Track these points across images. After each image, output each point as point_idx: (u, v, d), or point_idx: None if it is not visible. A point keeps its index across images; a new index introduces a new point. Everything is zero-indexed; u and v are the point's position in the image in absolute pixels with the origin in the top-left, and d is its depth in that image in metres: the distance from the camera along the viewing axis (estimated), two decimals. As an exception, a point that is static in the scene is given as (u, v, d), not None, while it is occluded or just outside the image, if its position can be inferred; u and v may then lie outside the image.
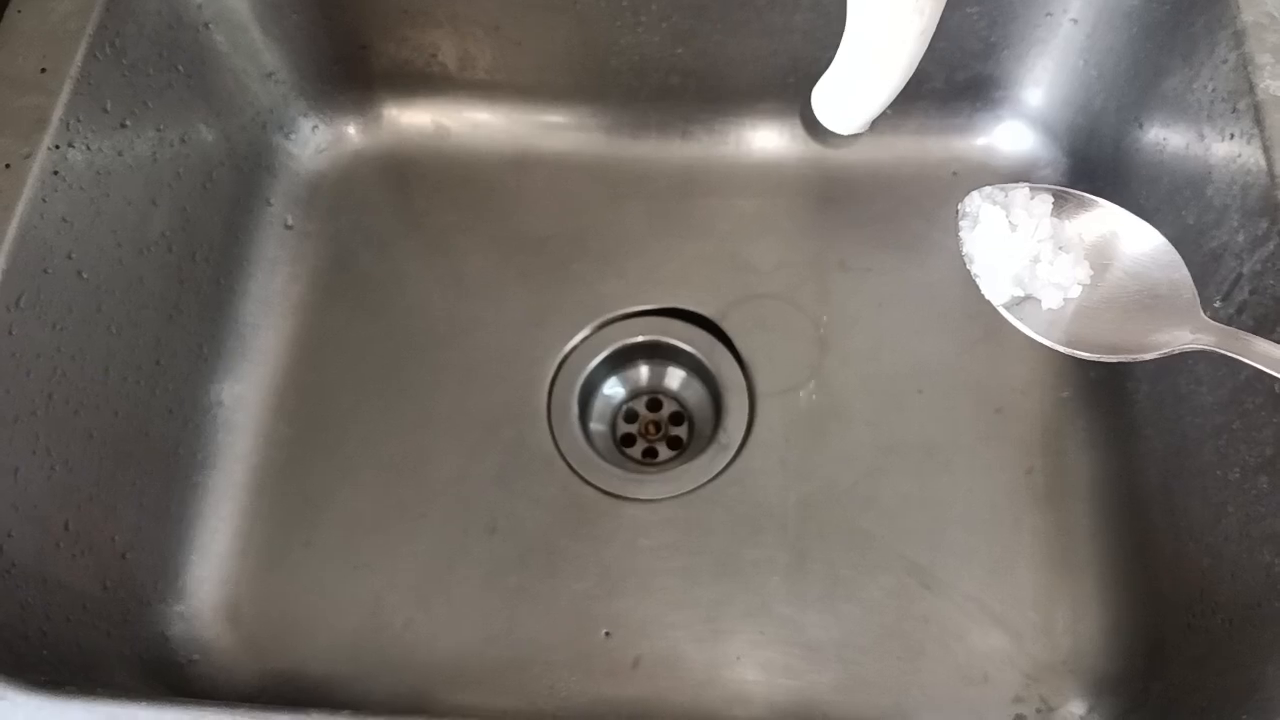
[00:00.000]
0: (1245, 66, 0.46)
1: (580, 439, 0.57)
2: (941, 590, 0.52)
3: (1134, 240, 0.42)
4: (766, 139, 0.64)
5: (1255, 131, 0.44)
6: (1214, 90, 0.48)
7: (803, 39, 0.59)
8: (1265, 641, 0.41)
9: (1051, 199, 0.43)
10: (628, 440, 0.60)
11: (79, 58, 0.48)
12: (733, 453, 0.56)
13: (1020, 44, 0.59)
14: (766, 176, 0.64)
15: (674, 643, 0.52)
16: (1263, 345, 0.36)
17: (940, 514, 0.54)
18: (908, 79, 0.39)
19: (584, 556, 0.54)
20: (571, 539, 0.55)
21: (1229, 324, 0.45)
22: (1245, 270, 0.45)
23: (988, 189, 0.43)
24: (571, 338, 0.60)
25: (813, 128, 0.44)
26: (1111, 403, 0.55)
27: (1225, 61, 0.47)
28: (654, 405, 0.61)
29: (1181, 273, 0.40)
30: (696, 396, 0.60)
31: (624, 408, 0.61)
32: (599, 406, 0.60)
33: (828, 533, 0.54)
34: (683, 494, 0.56)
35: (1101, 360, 0.40)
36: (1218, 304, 0.46)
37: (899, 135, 0.62)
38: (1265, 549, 0.42)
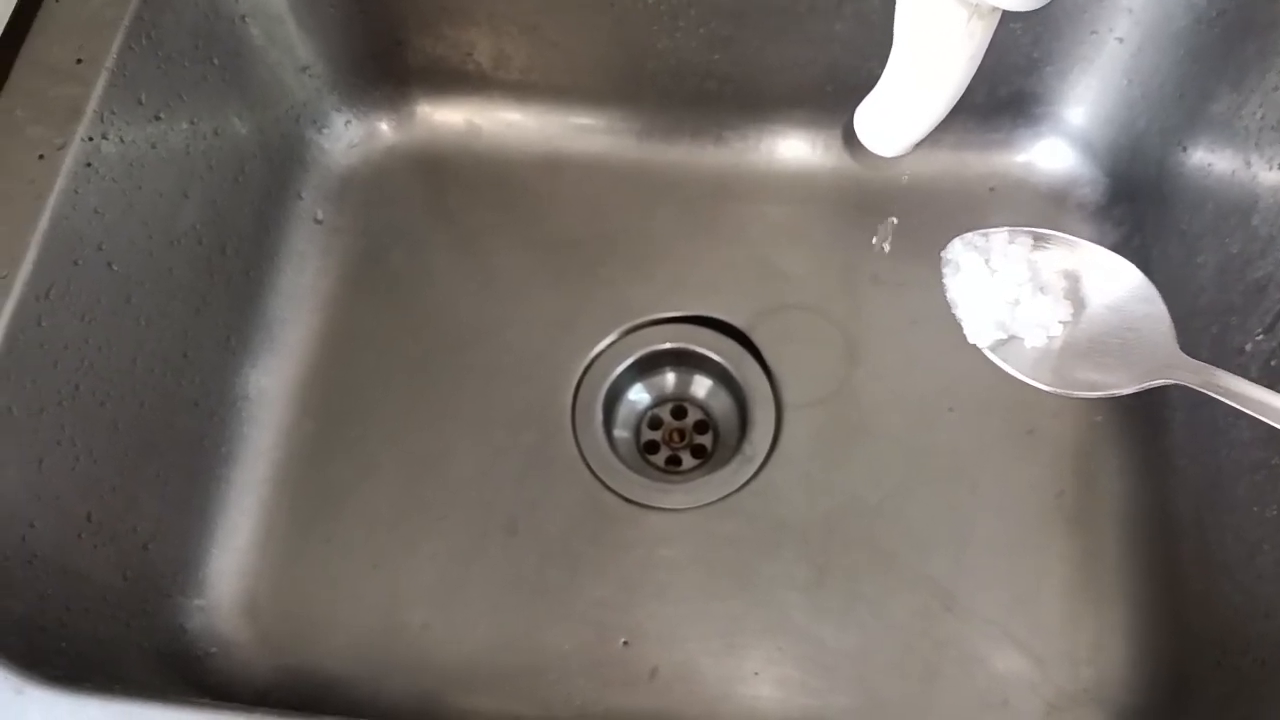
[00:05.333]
0: (1298, 96, 0.45)
1: (604, 444, 0.57)
2: (964, 613, 0.52)
3: (1112, 277, 0.43)
4: (801, 147, 0.63)
5: (1305, 162, 0.44)
6: (1263, 118, 0.47)
7: (842, 48, 0.59)
8: (1298, 686, 0.41)
9: (1031, 241, 0.44)
10: (651, 447, 0.59)
11: (115, 48, 0.48)
12: (757, 465, 0.56)
13: (1064, 61, 0.58)
14: (800, 185, 0.63)
15: (692, 655, 0.52)
16: (1236, 382, 0.37)
17: (966, 535, 0.54)
18: (954, 103, 0.38)
19: (604, 563, 0.54)
20: (591, 545, 0.54)
21: (1270, 360, 0.44)
22: (1290, 304, 0.44)
23: (969, 235, 0.44)
24: (598, 342, 0.59)
25: (854, 148, 0.44)
26: (1146, 430, 0.54)
27: (1276, 89, 0.46)
28: (679, 413, 0.60)
29: (1159, 307, 0.41)
30: (722, 406, 0.60)
31: (649, 414, 0.60)
32: (624, 412, 0.60)
33: (850, 550, 0.54)
34: (705, 505, 0.55)
35: (1084, 397, 0.41)
36: (1260, 336, 0.45)
37: (937, 149, 0.61)
38: (1301, 591, 0.42)
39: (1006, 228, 0.44)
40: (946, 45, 0.36)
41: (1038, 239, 0.44)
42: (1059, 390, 0.41)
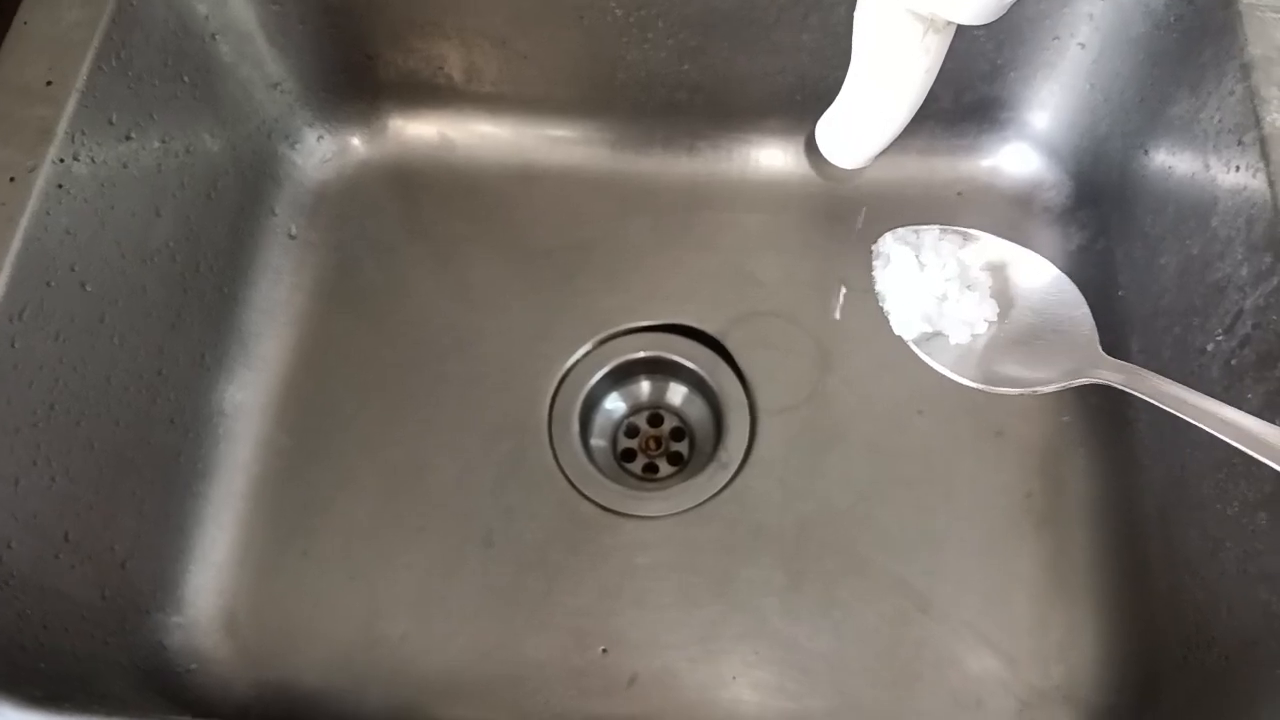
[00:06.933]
0: (1252, 99, 0.45)
1: (580, 453, 0.57)
2: (937, 614, 0.52)
3: (1037, 279, 0.44)
4: (772, 156, 0.64)
5: (1261, 165, 0.44)
6: (1220, 121, 0.48)
7: (810, 57, 0.59)
8: (1262, 681, 0.41)
9: (961, 239, 0.45)
10: (628, 455, 0.60)
11: (85, 69, 0.48)
12: (733, 471, 0.56)
13: (1027, 67, 0.59)
14: (772, 193, 0.64)
15: (670, 661, 0.52)
16: (1158, 381, 0.38)
17: (938, 537, 0.54)
18: (912, 116, 0.39)
19: (581, 572, 0.54)
20: (569, 554, 0.55)
21: (1230, 359, 0.45)
22: (1248, 305, 0.44)
23: (901, 230, 0.46)
24: (574, 351, 0.60)
25: (816, 160, 0.44)
26: (1112, 429, 0.55)
27: (1232, 93, 0.47)
28: (655, 420, 0.61)
29: (1082, 309, 0.42)
30: (698, 413, 0.60)
31: (625, 422, 0.61)
32: (600, 421, 0.60)
33: (825, 554, 0.54)
34: (682, 511, 0.56)
35: (1004, 394, 0.42)
36: (1220, 336, 0.46)
37: (905, 155, 0.62)
38: (1262, 587, 0.42)
39: (938, 225, 0.45)
40: (903, 59, 0.37)
41: (967, 238, 0.45)
42: (981, 386, 0.42)
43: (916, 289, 0.44)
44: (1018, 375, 0.42)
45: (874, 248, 0.46)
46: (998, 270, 0.45)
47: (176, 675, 0.51)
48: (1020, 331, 0.43)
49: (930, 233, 0.45)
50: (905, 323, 0.45)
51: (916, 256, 0.44)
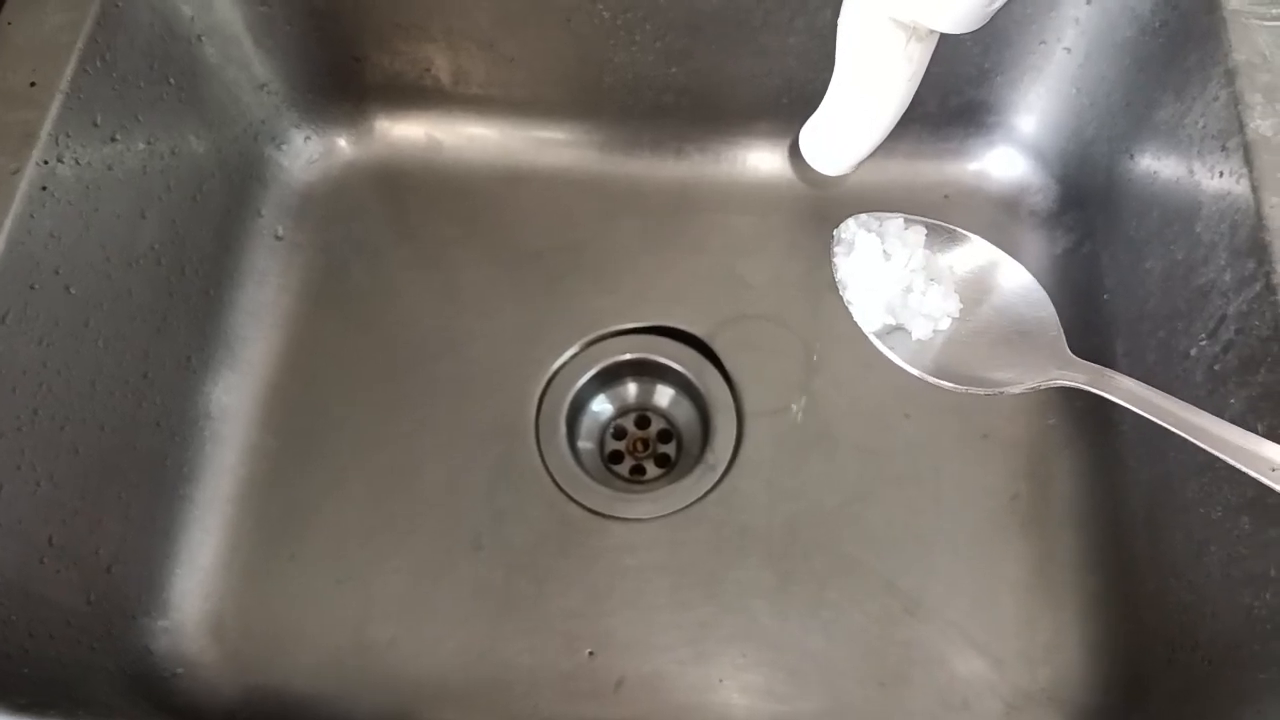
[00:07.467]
0: (1236, 105, 0.46)
1: (568, 456, 0.57)
2: (925, 615, 0.53)
3: (1003, 277, 0.43)
4: (760, 158, 0.64)
5: (1244, 171, 0.44)
6: (1205, 127, 0.48)
7: (797, 60, 0.59)
8: (1245, 684, 0.42)
9: (925, 230, 0.44)
10: (615, 457, 0.60)
11: (69, 71, 0.47)
12: (720, 473, 0.56)
13: (1013, 70, 0.59)
14: (759, 196, 0.64)
15: (658, 664, 0.52)
16: (1128, 383, 0.37)
17: (925, 538, 0.54)
18: (895, 123, 0.39)
19: (569, 575, 0.54)
20: (557, 557, 0.55)
21: (1213, 364, 0.45)
22: (1231, 310, 0.45)
23: (864, 216, 0.44)
24: (561, 354, 0.60)
25: (800, 167, 0.44)
26: (1098, 432, 0.55)
27: (1216, 99, 0.47)
28: (642, 422, 0.61)
29: (1048, 310, 0.42)
30: (685, 415, 0.60)
31: (612, 424, 0.61)
32: (587, 423, 0.60)
33: (813, 555, 0.54)
34: (670, 514, 0.56)
35: (968, 393, 0.41)
36: (1204, 341, 0.46)
37: (891, 158, 0.62)
38: (1246, 590, 0.42)
39: (901, 214, 0.44)
40: (886, 67, 0.37)
41: (932, 229, 0.44)
42: (942, 383, 0.41)
43: (882, 279, 0.43)
44: (985, 375, 0.41)
45: (835, 233, 0.44)
46: (963, 265, 0.44)
47: (163, 680, 0.51)
48: (984, 329, 0.42)
49: (895, 221, 0.44)
50: (868, 315, 0.43)
51: (882, 245, 0.43)
